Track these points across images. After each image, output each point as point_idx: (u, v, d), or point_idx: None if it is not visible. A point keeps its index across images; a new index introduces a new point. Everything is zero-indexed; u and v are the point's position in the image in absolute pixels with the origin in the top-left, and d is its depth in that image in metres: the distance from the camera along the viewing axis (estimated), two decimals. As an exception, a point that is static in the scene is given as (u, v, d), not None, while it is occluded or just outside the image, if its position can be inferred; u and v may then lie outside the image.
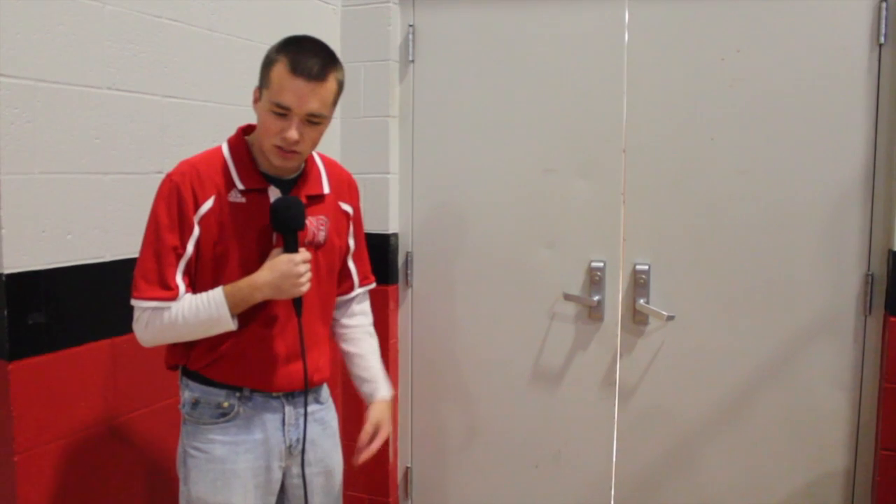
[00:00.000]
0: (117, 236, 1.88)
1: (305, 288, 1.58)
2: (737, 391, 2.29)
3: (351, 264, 1.86)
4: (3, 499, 1.66)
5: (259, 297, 1.56)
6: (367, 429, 1.79)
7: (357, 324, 1.92)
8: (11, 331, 1.63)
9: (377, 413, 1.82)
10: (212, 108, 2.15)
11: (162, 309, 1.53)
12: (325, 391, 1.82)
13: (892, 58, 2.08)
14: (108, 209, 1.86)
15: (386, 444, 2.66)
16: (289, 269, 1.54)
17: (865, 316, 2.16)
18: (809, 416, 2.23)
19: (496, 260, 2.55)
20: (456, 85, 2.57)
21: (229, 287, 1.55)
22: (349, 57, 2.64)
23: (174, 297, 1.54)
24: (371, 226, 2.62)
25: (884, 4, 2.07)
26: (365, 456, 1.78)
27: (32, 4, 1.65)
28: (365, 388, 1.88)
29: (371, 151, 2.64)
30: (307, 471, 1.70)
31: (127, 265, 1.86)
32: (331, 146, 2.59)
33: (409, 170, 2.66)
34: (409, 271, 2.69)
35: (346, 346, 1.91)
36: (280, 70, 1.51)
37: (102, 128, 1.83)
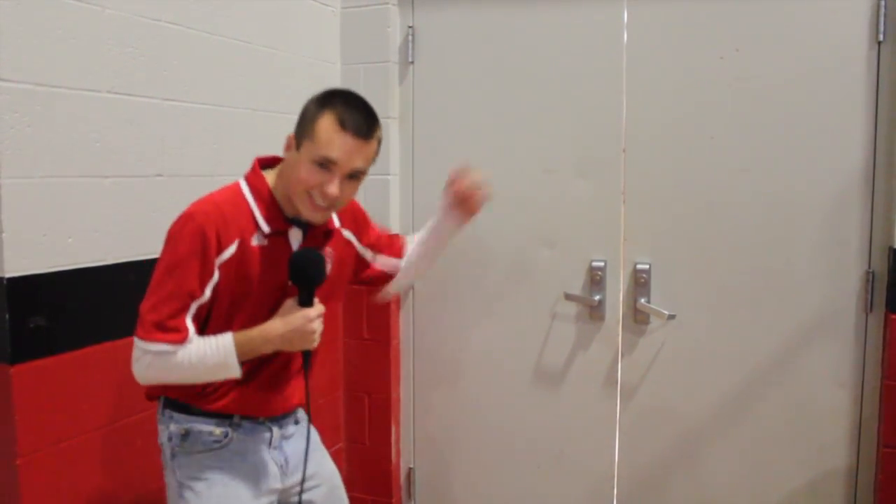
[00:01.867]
0: (118, 239, 1.88)
1: (316, 343, 1.54)
2: (738, 390, 2.29)
3: (383, 260, 1.89)
4: (6, 502, 1.67)
5: (269, 349, 1.53)
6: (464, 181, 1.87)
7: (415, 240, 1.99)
8: (13, 334, 1.63)
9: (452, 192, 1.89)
10: (211, 111, 2.15)
11: (168, 353, 1.47)
12: (300, 411, 1.79)
13: (892, 55, 2.08)
14: (109, 212, 1.86)
15: (388, 444, 2.69)
16: (302, 325, 1.50)
17: (866, 313, 2.16)
18: (811, 414, 2.23)
19: (497, 260, 2.56)
20: (456, 86, 2.57)
21: (240, 336, 1.50)
22: (349, 59, 2.65)
23: (182, 341, 1.47)
24: (371, 227, 2.63)
25: (882, 2, 2.07)
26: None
27: (32, 8, 1.66)
28: (436, 220, 1.94)
29: (371, 153, 2.64)
30: (305, 485, 1.69)
31: (128, 268, 1.87)
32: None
33: (410, 171, 2.67)
34: (410, 272, 2.69)
35: (414, 256, 1.96)
36: (329, 124, 1.49)
37: (102, 131, 1.83)
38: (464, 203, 1.87)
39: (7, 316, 1.62)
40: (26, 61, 1.65)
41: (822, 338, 2.20)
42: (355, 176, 1.54)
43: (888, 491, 2.09)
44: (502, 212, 2.52)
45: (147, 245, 1.90)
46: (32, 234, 1.68)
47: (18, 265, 1.65)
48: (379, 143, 1.60)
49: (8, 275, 1.62)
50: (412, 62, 2.63)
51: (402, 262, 1.94)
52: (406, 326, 2.72)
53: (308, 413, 1.63)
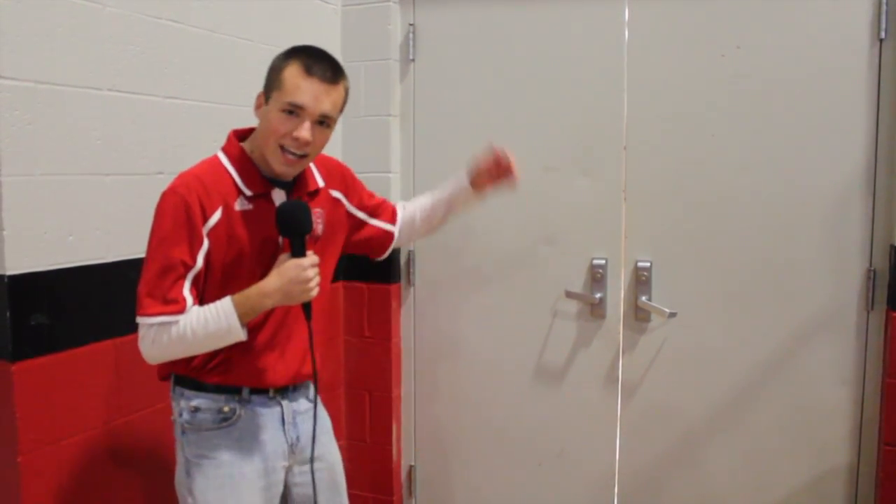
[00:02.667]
0: (119, 237, 1.88)
1: (314, 293, 1.55)
2: (739, 387, 2.29)
3: (377, 222, 1.92)
4: (7, 499, 1.67)
5: (269, 304, 1.54)
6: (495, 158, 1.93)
7: (416, 205, 2.02)
8: (14, 332, 1.63)
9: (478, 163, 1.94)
10: (213, 109, 2.15)
11: (169, 323, 1.49)
12: (311, 389, 1.79)
13: (893, 53, 2.08)
14: (110, 210, 1.87)
15: (389, 442, 2.69)
16: (297, 275, 1.52)
17: (868, 311, 2.16)
18: (812, 412, 2.23)
19: (498, 258, 2.56)
20: (456, 83, 2.57)
21: (238, 296, 1.52)
22: (350, 56, 2.65)
23: (181, 311, 1.50)
24: (372, 225, 2.63)
25: (884, -1, 2.07)
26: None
27: (33, 6, 1.66)
28: (454, 189, 1.99)
29: (372, 151, 2.65)
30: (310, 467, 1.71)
31: (128, 266, 1.87)
32: (332, 146, 2.57)
33: (411, 169, 2.67)
34: (411, 270, 2.69)
35: (424, 213, 2.00)
36: (294, 71, 1.52)
37: (103, 129, 1.84)
38: (499, 172, 1.93)
39: (8, 313, 1.62)
40: (27, 59, 1.65)
41: (824, 335, 2.20)
42: (325, 122, 1.56)
43: (889, 488, 2.09)
44: (503, 209, 2.52)
45: (148, 243, 1.91)
46: (33, 232, 1.68)
47: (19, 263, 1.65)
48: (346, 92, 1.61)
49: (9, 272, 1.63)
50: (413, 60, 2.63)
51: (396, 229, 1.97)
52: (407, 324, 2.72)
53: (314, 367, 1.63)
